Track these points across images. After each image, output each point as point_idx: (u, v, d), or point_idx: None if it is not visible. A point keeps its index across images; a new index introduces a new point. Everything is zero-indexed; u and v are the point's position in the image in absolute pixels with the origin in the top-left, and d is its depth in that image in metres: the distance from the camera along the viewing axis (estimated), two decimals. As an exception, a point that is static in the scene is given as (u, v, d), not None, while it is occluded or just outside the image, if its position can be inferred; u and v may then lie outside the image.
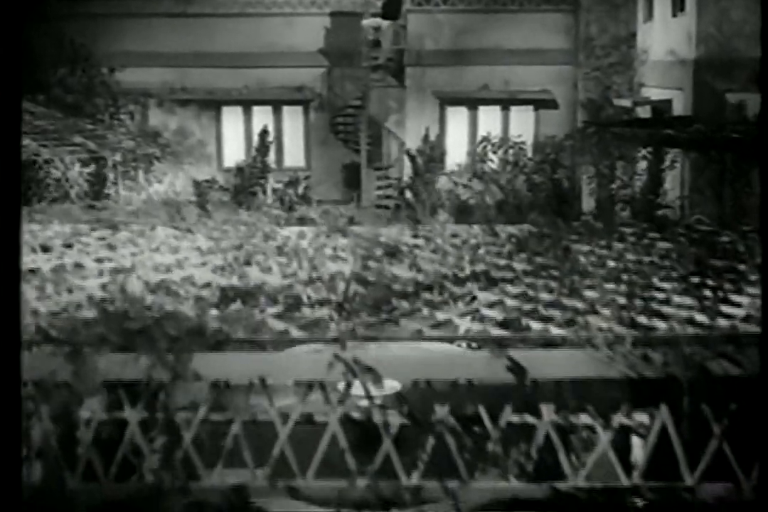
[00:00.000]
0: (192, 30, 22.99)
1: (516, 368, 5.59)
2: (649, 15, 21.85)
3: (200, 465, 5.87)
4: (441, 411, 5.78)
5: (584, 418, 6.07)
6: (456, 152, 22.46)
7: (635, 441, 6.63)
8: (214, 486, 5.89)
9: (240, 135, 23.55)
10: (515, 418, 5.63)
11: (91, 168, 16.35)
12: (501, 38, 22.54)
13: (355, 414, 6.49)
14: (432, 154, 21.47)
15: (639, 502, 5.96)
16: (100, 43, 22.16)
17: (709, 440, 5.68)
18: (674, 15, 20.48)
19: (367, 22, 22.76)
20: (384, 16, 22.64)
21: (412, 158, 20.61)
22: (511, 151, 20.87)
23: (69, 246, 8.15)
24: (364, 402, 6.13)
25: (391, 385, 13.72)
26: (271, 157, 22.48)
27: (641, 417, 6.58)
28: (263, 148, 22.08)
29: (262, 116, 23.29)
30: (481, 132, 22.12)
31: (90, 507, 5.84)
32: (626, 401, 5.61)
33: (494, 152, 21.06)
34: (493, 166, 20.26)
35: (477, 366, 5.65)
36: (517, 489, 5.79)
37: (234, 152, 23.15)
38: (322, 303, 6.38)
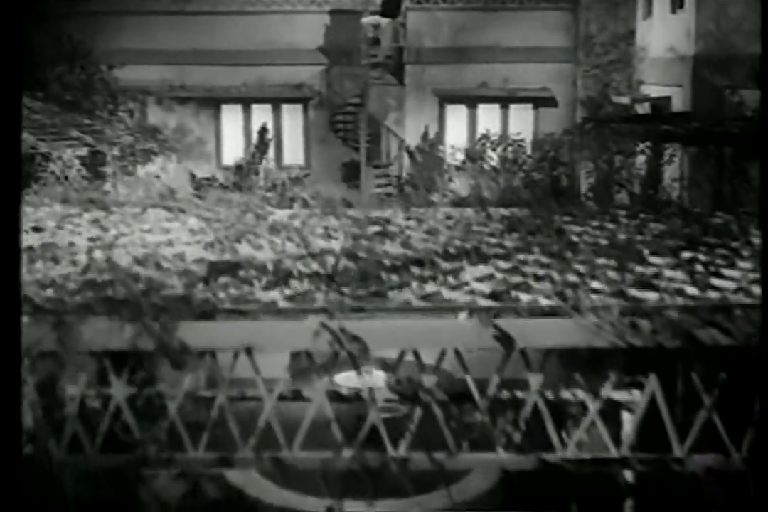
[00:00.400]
0: (191, 27, 22.98)
1: (503, 337, 5.55)
2: (648, 12, 21.82)
3: (186, 436, 5.84)
4: (428, 381, 5.73)
5: (573, 392, 6.06)
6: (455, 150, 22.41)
7: (625, 415, 6.60)
8: (199, 458, 5.86)
9: (239, 133, 23.52)
10: (503, 389, 5.61)
11: (88, 161, 16.32)
12: (500, 36, 22.52)
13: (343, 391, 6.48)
14: (431, 152, 21.49)
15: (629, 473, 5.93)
16: (99, 41, 22.16)
17: (699, 411, 5.65)
18: (673, 11, 20.46)
19: (366, 19, 22.74)
20: (383, 14, 22.62)
21: (411, 154, 20.59)
22: (510, 149, 20.87)
23: (60, 227, 8.13)
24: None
25: (379, 377, 13.61)
26: (270, 155, 22.47)
27: (629, 396, 6.58)
28: (262, 145, 22.07)
29: (262, 114, 23.28)
30: (481, 130, 22.11)
31: (76, 478, 5.81)
32: (615, 370, 5.57)
33: (493, 149, 21.05)
34: (493, 163, 20.24)
35: (465, 335, 5.61)
36: (505, 461, 5.76)
37: (233, 150, 23.13)
38: (311, 276, 6.35)
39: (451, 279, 6.40)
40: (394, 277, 6.38)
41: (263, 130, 21.50)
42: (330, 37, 23.28)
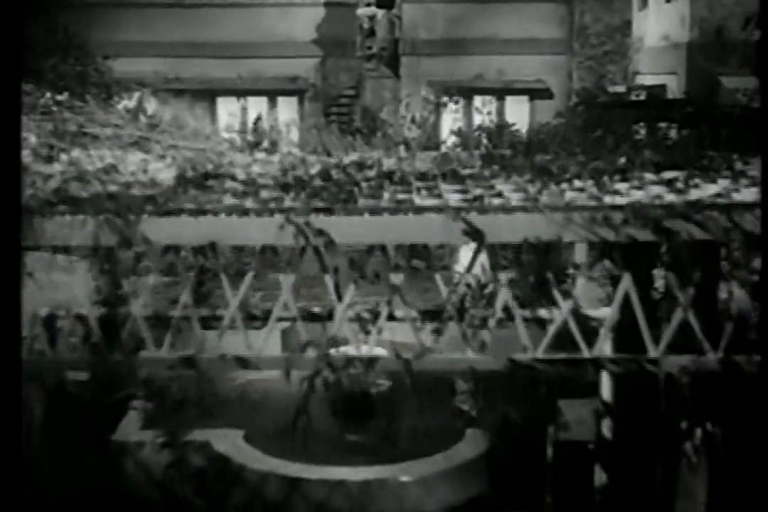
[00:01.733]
0: (186, 20, 22.97)
1: (473, 231, 5.42)
2: (644, 3, 21.80)
3: (148, 337, 5.71)
4: (396, 279, 5.59)
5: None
6: (450, 142, 22.31)
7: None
8: (163, 358, 5.72)
9: (235, 125, 23.44)
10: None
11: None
12: (495, 28, 22.48)
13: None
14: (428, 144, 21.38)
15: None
16: (94, 33, 22.12)
17: (674, 310, 5.51)
18: (668, 0, 20.43)
19: (362, 10, 22.72)
20: (379, 5, 22.61)
21: (406, 143, 20.48)
22: (505, 138, 20.77)
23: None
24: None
25: (376, 351, 13.42)
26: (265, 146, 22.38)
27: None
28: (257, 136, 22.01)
29: (257, 106, 23.22)
30: (476, 121, 22.05)
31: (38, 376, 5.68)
32: (589, 264, 5.44)
33: (489, 139, 20.95)
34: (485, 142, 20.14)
35: (434, 230, 5.49)
36: (474, 361, 5.61)
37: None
38: (282, 185, 6.23)
39: (424, 192, 6.28)
40: (367, 189, 6.26)
41: (258, 119, 21.45)
42: (325, 30, 23.25)
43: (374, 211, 5.67)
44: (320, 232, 5.43)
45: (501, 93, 22.72)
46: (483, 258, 16.74)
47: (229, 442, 11.21)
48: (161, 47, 22.79)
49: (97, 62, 22.01)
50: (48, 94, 8.35)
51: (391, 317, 5.91)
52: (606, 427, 6.35)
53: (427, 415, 12.60)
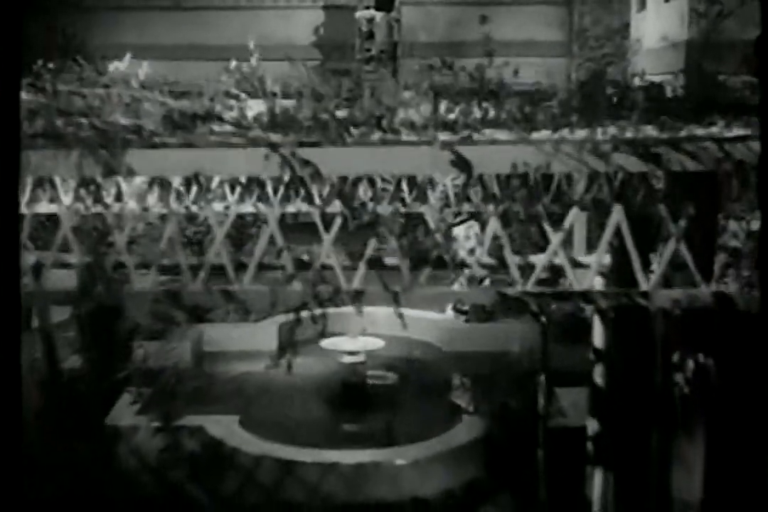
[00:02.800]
0: (186, 23, 23.00)
1: (461, 162, 5.35)
2: (642, 5, 21.77)
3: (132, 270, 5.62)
4: (384, 209, 5.49)
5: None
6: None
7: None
8: (148, 290, 5.61)
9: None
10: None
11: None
12: (495, 31, 22.47)
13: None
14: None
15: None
16: (93, 35, 22.15)
17: (667, 242, 5.42)
18: (667, 0, 20.40)
19: (361, 13, 22.72)
20: (378, 8, 22.61)
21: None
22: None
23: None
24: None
25: (374, 342, 13.33)
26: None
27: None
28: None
29: (256, 109, 23.17)
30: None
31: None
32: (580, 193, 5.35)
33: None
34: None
35: (422, 160, 5.41)
36: (462, 294, 5.51)
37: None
38: (271, 125, 6.14)
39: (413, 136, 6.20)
40: (355, 130, 6.18)
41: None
42: (324, 33, 23.27)
43: (363, 143, 5.61)
44: (306, 163, 5.35)
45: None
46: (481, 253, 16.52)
47: (224, 427, 11.10)
48: (160, 50, 22.77)
49: (95, 63, 21.99)
50: (40, 62, 8.28)
51: (381, 265, 5.81)
52: (598, 375, 6.23)
53: (422, 408, 12.50)
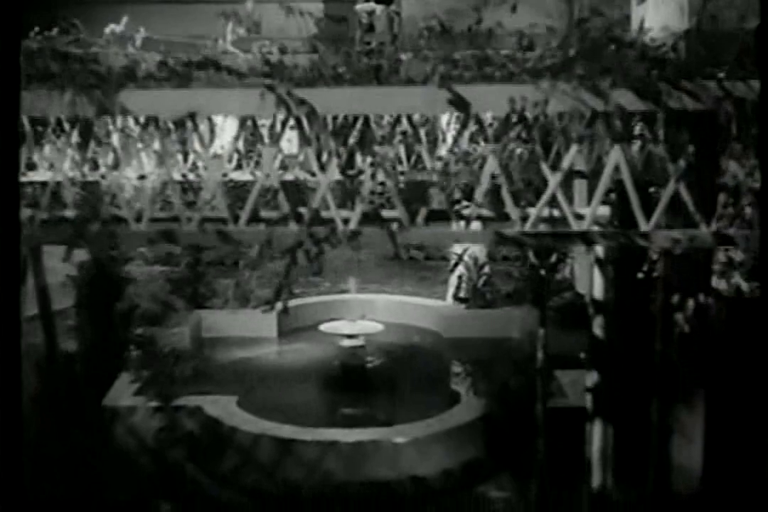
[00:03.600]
0: (184, 16, 23.01)
1: (458, 101, 5.31)
2: (643, -4, 21.82)
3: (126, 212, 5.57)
4: (382, 150, 5.45)
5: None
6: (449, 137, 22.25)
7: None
8: (141, 231, 5.56)
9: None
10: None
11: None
12: (494, 23, 22.47)
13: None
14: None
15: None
16: (92, 29, 22.12)
17: (666, 184, 5.37)
18: (666, -9, 20.44)
19: (360, 6, 22.69)
20: (378, 1, 22.60)
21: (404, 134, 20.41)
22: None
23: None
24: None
25: (373, 326, 13.23)
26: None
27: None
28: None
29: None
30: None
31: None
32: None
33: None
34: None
35: (419, 100, 5.37)
36: (460, 234, 5.46)
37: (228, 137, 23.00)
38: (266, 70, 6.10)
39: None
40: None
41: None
42: (323, 26, 23.24)
43: (358, 84, 5.59)
44: (302, 102, 5.31)
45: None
46: (477, 248, 16.49)
47: (222, 407, 11.04)
48: (159, 43, 22.79)
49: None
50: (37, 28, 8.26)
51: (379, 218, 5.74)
52: (597, 325, 6.18)
53: (421, 393, 12.46)
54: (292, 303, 16.43)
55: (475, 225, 5.43)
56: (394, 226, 5.25)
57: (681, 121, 5.26)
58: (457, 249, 16.60)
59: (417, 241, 5.33)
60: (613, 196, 5.82)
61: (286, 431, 10.66)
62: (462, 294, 16.11)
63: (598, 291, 6.21)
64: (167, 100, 5.39)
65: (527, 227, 5.28)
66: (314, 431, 10.76)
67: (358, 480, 10.05)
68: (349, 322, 13.74)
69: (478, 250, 16.49)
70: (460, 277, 16.19)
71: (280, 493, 10.05)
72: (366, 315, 13.87)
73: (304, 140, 5.47)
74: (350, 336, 13.40)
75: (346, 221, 5.25)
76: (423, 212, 5.27)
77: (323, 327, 13.68)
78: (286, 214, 5.30)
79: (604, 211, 6.12)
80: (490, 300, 16.05)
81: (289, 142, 6.12)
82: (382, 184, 5.32)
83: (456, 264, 16.36)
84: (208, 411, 10.98)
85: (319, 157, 5.42)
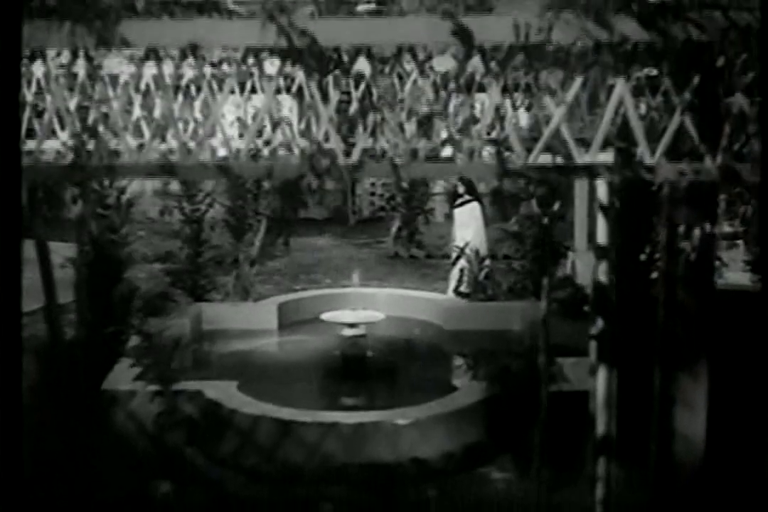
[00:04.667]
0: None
1: (461, 31, 5.26)
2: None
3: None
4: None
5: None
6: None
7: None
8: (142, 165, 5.49)
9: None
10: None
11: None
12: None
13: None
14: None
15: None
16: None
17: (671, 115, 5.31)
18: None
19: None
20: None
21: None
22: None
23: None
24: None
25: (374, 315, 13.15)
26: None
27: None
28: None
29: (256, 102, 23.20)
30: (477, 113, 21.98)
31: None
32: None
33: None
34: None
35: (422, 30, 5.34)
36: (464, 167, 5.40)
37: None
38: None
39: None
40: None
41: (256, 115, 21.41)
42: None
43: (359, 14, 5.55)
44: (303, 33, 5.27)
45: (501, 87, 22.69)
46: (481, 236, 16.40)
47: (222, 391, 10.95)
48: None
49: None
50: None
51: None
52: (601, 272, 6.10)
53: (421, 383, 12.40)
54: (293, 296, 16.47)
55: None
56: (397, 159, 5.18)
57: (685, 54, 5.21)
58: (459, 243, 16.59)
59: (419, 174, 5.26)
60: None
61: (286, 413, 10.56)
62: (463, 288, 16.09)
63: (601, 237, 6.14)
64: (169, 30, 5.34)
65: (531, 159, 5.22)
66: (315, 413, 10.67)
67: (359, 462, 9.94)
68: (350, 311, 13.68)
69: (479, 244, 16.47)
70: (461, 271, 16.17)
71: (281, 475, 9.95)
72: (367, 307, 13.84)
73: (307, 73, 5.40)
74: (351, 325, 13.33)
75: (347, 153, 5.18)
76: (424, 145, 5.22)
77: (324, 315, 13.64)
78: (287, 142, 5.25)
79: (608, 157, 6.06)
80: (491, 293, 16.03)
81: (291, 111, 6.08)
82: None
83: (458, 258, 16.34)
84: (208, 394, 10.90)
85: (320, 84, 5.36)
